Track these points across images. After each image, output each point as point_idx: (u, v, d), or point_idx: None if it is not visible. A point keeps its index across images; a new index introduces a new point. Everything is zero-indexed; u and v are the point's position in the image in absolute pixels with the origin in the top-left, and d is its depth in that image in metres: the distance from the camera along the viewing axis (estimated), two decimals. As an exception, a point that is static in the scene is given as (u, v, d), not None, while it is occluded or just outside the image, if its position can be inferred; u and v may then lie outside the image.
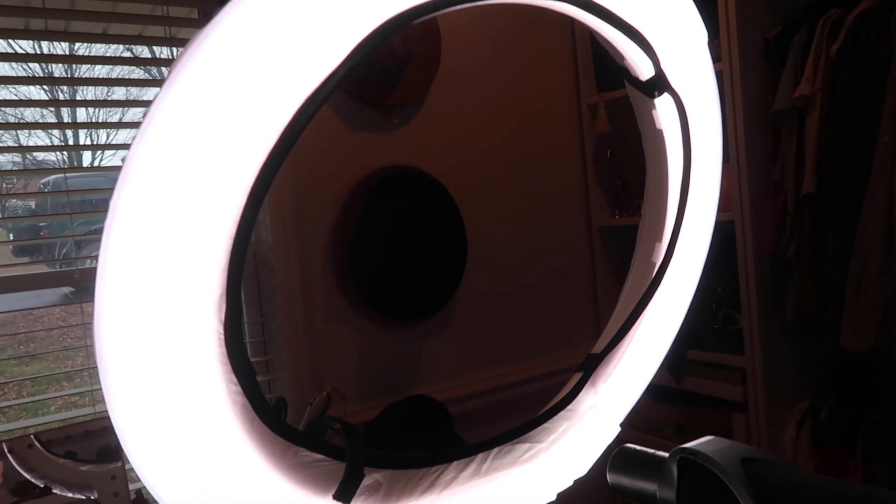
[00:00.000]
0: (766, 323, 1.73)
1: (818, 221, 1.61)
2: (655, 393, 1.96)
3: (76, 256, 1.51)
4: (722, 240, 1.86)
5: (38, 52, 2.53)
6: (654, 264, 0.66)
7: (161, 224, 0.40)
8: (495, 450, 0.60)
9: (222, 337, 0.44)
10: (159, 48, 1.68)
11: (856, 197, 1.54)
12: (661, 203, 0.65)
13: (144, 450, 0.43)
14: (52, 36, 1.40)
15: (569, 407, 0.64)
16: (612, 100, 2.05)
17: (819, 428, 1.74)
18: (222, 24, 0.39)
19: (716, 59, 1.76)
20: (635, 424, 2.03)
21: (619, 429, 0.67)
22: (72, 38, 1.51)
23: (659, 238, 0.65)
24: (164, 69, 1.90)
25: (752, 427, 1.76)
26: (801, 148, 1.64)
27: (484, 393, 1.91)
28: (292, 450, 0.50)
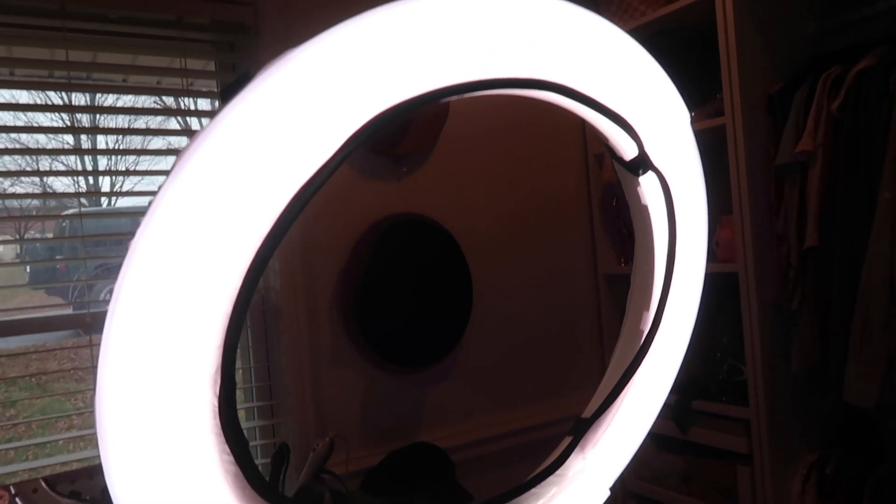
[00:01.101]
0: (771, 374, 1.72)
1: (821, 274, 1.62)
2: (661, 442, 1.94)
3: (88, 300, 1.55)
4: (725, 290, 1.86)
5: (67, 100, 2.63)
6: (642, 332, 0.67)
7: (162, 303, 0.42)
8: (483, 515, 0.61)
9: (216, 409, 0.46)
10: (179, 98, 1.74)
11: (858, 251, 1.55)
12: (648, 273, 0.67)
13: (139, 516, 0.45)
14: (75, 87, 1.46)
15: (557, 472, 0.66)
16: (618, 149, 2.08)
17: (825, 482, 1.72)
18: (225, 120, 0.42)
19: (718, 113, 1.80)
20: (641, 474, 2.01)
21: (608, 493, 0.68)
22: (93, 89, 1.57)
23: (646, 307, 0.67)
24: (184, 118, 1.96)
25: (756, 480, 1.74)
26: (804, 201, 1.65)
27: (488, 440, 1.91)
28: (282, 516, 0.51)
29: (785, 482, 1.74)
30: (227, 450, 0.47)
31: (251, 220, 0.42)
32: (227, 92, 0.42)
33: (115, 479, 0.45)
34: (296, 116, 0.42)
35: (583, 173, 2.20)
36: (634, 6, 1.99)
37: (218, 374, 0.45)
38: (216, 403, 0.45)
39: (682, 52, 2.05)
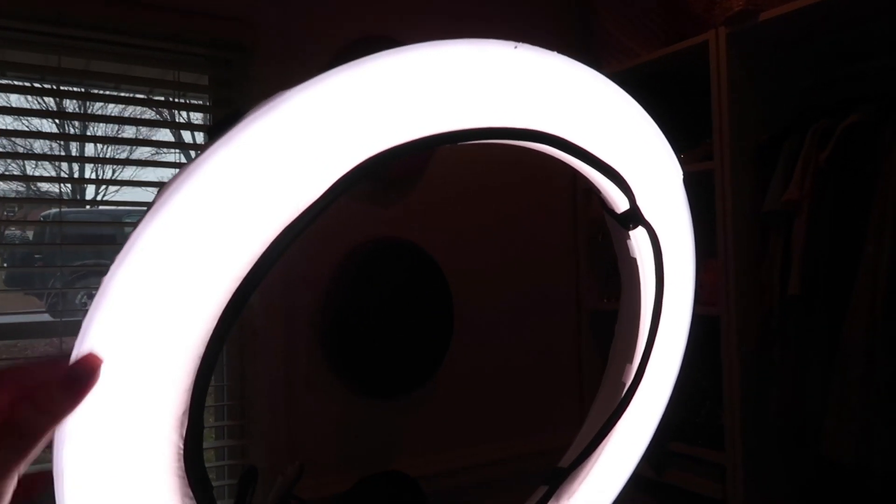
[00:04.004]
0: (749, 421, 1.72)
1: (802, 325, 1.62)
2: (637, 483, 1.93)
3: (63, 308, 1.52)
4: (707, 334, 1.87)
5: (57, 106, 2.63)
6: (624, 385, 0.66)
7: (133, 342, 0.41)
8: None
9: (182, 452, 0.44)
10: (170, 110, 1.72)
11: (840, 303, 1.56)
12: (633, 325, 0.66)
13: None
14: (66, 94, 1.44)
15: (532, 524, 0.64)
16: (607, 186, 2.08)
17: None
18: (212, 157, 0.41)
19: (707, 156, 1.81)
20: (613, 514, 1.99)
21: (582, 546, 0.67)
22: (84, 97, 1.55)
23: (629, 359, 0.66)
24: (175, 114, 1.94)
25: (730, 528, 1.73)
26: (788, 250, 1.67)
27: (461, 471, 1.89)
28: (244, 563, 0.49)
29: (758, 532, 1.73)
30: (191, 493, 0.45)
31: (230, 260, 0.41)
32: (216, 129, 0.41)
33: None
34: (284, 159, 0.41)
35: (570, 207, 2.21)
36: (629, 47, 2.01)
37: (186, 416, 0.43)
38: (182, 446, 0.44)
39: (675, 93, 2.08)
